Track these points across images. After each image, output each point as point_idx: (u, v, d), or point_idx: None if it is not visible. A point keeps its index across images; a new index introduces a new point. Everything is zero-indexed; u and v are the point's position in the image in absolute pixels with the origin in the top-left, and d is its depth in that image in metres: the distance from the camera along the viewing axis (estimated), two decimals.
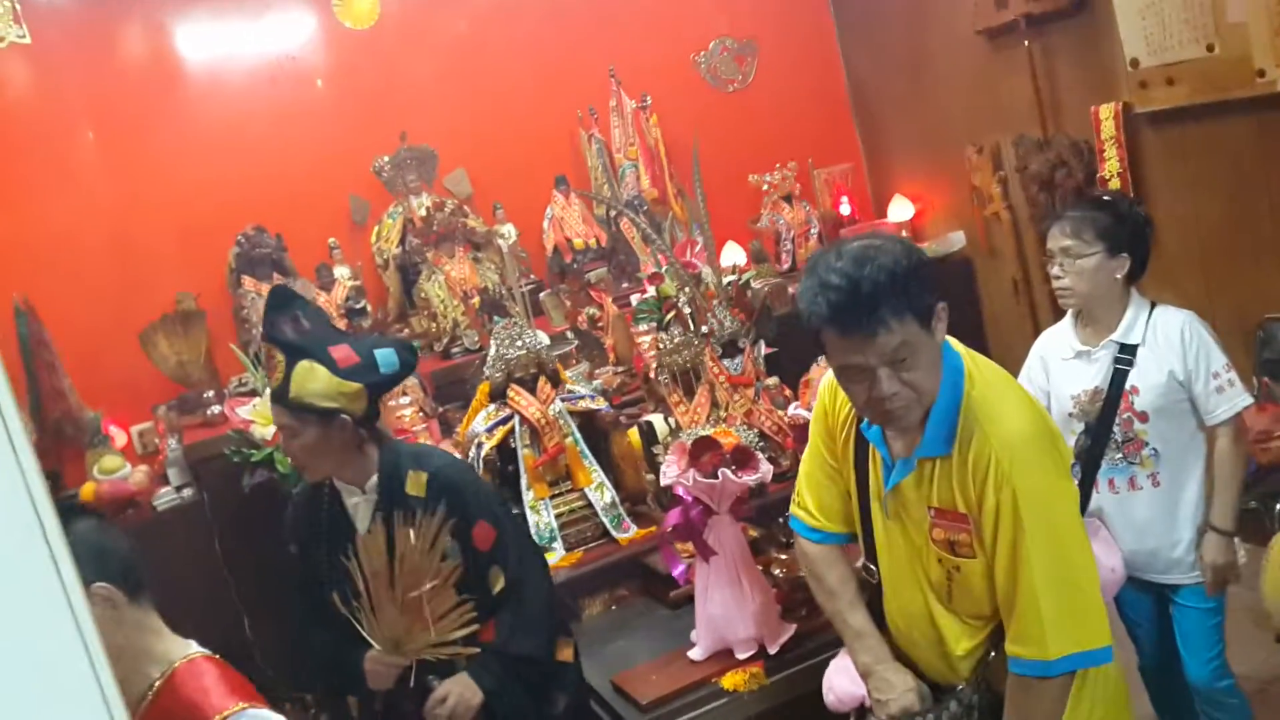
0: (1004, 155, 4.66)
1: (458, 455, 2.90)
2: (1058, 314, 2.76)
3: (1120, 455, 2.44)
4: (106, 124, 4.52)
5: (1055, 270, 2.50)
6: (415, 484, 2.33)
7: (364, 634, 2.21)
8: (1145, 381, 2.40)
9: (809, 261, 1.68)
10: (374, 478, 2.34)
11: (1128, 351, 2.43)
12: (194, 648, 1.64)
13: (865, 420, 1.75)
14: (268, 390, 2.42)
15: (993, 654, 1.75)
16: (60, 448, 4.31)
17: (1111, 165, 4.00)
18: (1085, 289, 2.44)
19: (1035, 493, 1.60)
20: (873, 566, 1.86)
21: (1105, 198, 2.75)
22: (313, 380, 2.21)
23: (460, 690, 2.27)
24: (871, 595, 1.88)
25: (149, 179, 4.54)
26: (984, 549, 1.66)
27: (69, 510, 1.57)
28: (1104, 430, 2.44)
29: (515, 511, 2.84)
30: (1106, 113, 3.98)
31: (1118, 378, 2.41)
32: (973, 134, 4.77)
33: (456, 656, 2.25)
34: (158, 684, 1.56)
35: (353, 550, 2.22)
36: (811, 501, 1.93)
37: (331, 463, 2.32)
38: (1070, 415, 2.49)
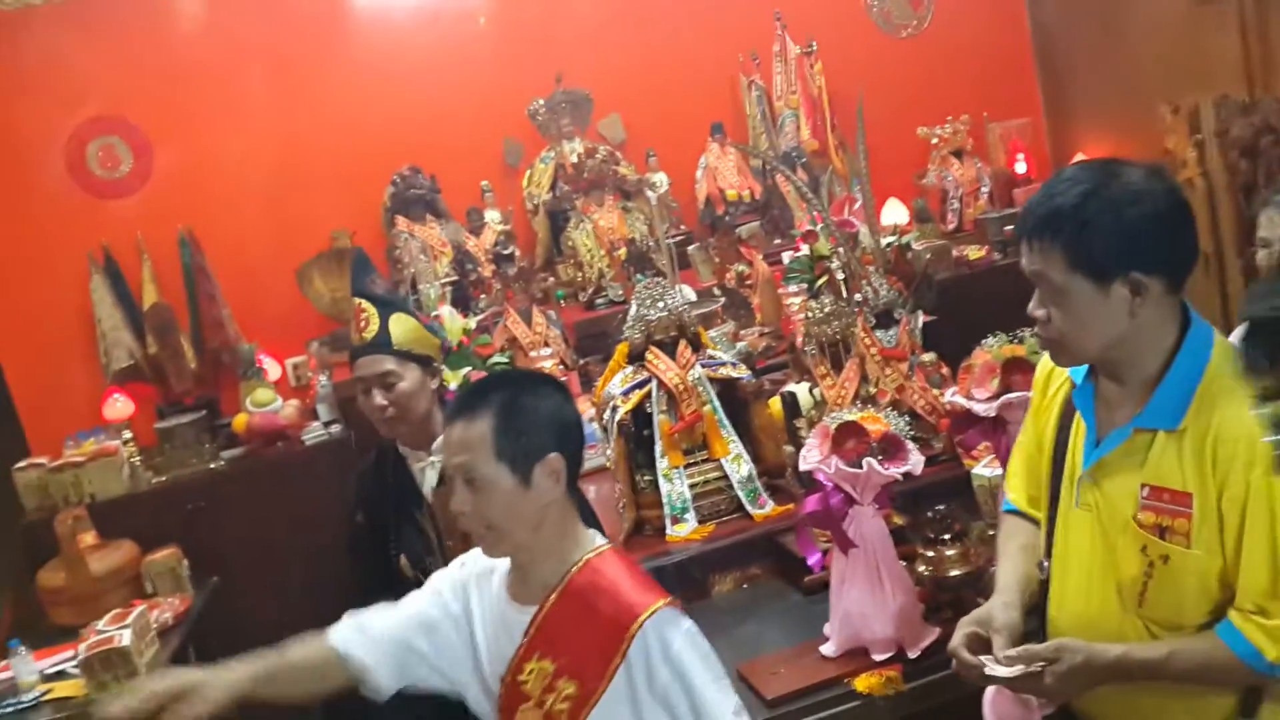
0: (1203, 117, 4.24)
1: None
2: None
3: None
4: (272, 60, 4.59)
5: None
6: None
7: None
8: None
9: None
10: (440, 439, 2.36)
11: None
12: (605, 540, 1.75)
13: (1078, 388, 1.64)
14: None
15: None
16: (218, 376, 4.46)
17: None
18: None
19: None
20: (1046, 563, 1.71)
21: None
22: (410, 329, 2.38)
23: None
24: (1038, 596, 1.73)
25: (311, 116, 4.61)
26: (1207, 542, 1.49)
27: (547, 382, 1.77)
28: None
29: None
30: None
31: None
32: (1169, 92, 4.37)
33: None
34: (576, 567, 1.67)
35: (424, 511, 2.23)
36: (1016, 475, 1.86)
37: (421, 412, 2.39)
38: None
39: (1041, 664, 1.53)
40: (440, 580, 1.82)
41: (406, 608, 1.80)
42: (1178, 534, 1.51)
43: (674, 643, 1.61)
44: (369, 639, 1.76)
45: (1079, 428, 1.66)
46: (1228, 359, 1.53)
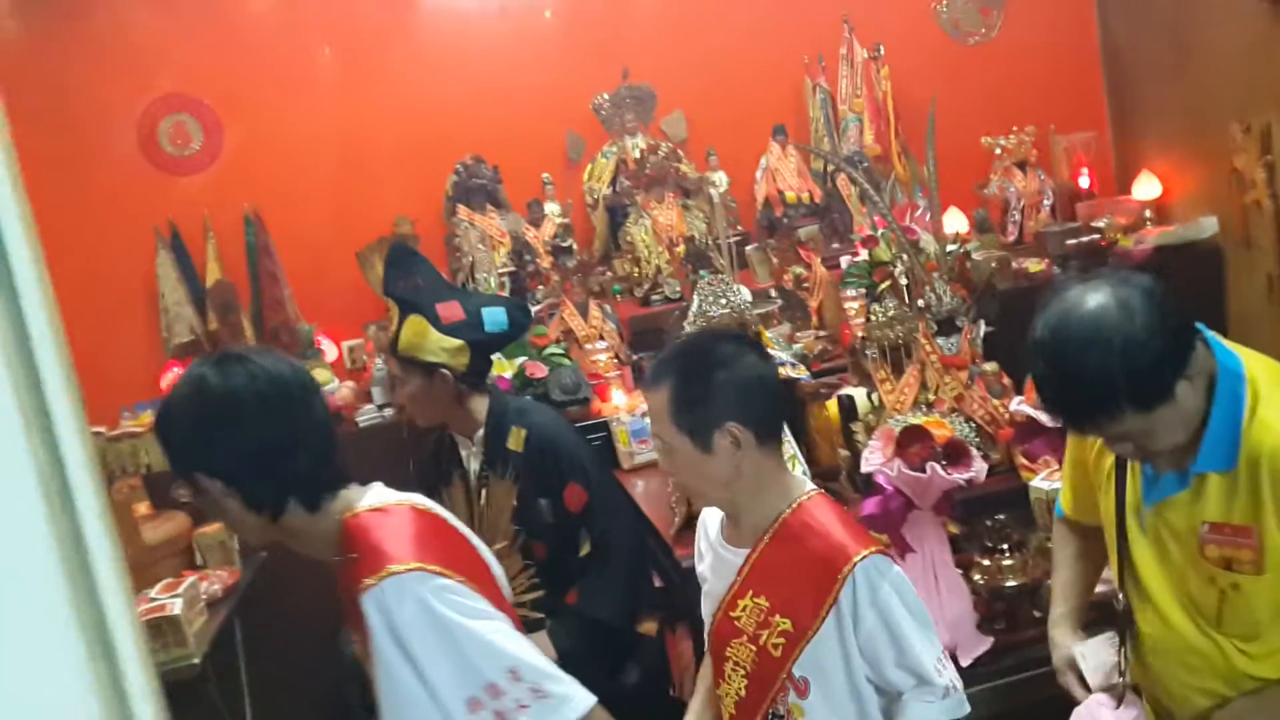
0: (1275, 137, 4.17)
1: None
2: None
3: None
4: (341, 43, 4.64)
5: None
6: (515, 439, 2.43)
7: None
8: None
9: (1049, 301, 1.53)
10: (481, 431, 2.39)
11: None
12: (813, 486, 1.79)
13: None
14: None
15: None
16: None
17: None
18: None
19: None
20: (1121, 595, 1.71)
21: None
22: (417, 335, 2.35)
23: None
24: (1121, 623, 1.74)
25: (377, 101, 4.64)
26: (1277, 565, 1.50)
27: (739, 346, 1.73)
28: None
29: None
30: None
31: None
32: (1241, 110, 4.29)
33: (526, 619, 2.27)
34: (785, 514, 1.71)
35: (467, 494, 2.28)
36: (1066, 483, 1.90)
37: (434, 414, 2.44)
38: None
39: None
40: (695, 541, 1.93)
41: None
42: (1244, 563, 1.52)
43: (881, 589, 1.63)
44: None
45: (1135, 463, 1.66)
46: (1273, 388, 1.52)
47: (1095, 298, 1.46)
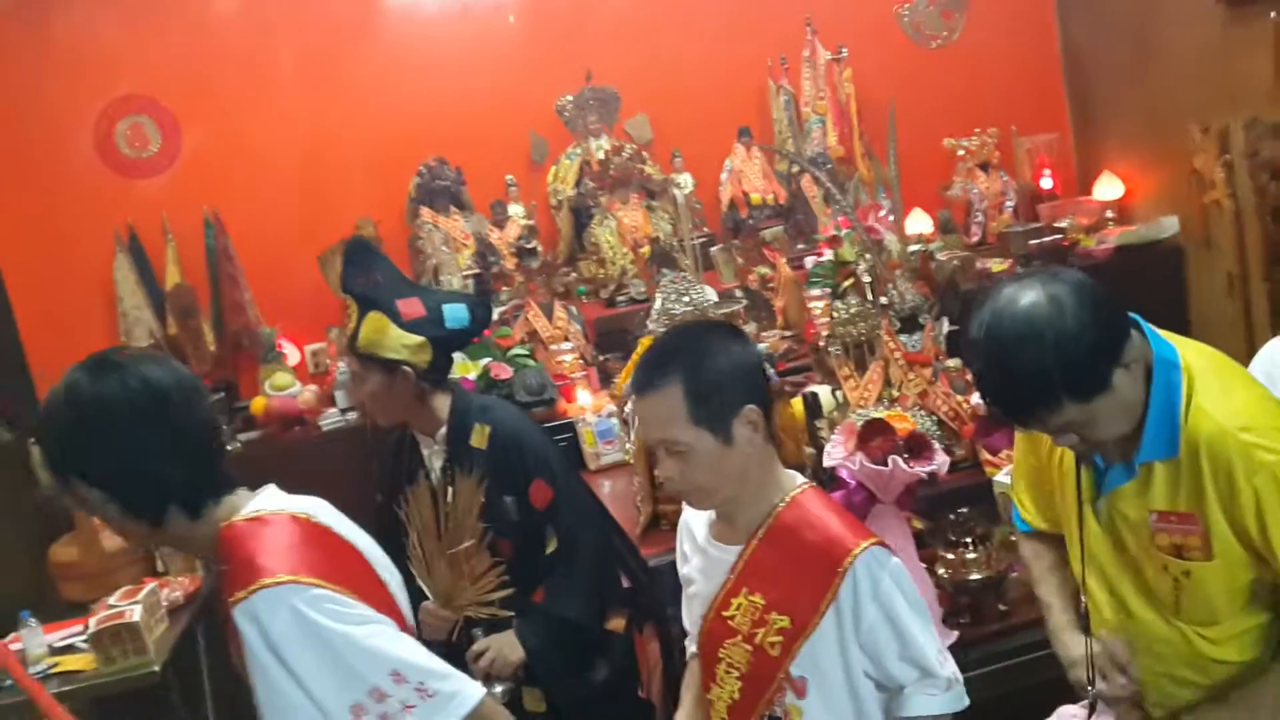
0: (1232, 138, 4.22)
1: (517, 411, 2.85)
2: (1277, 315, 2.47)
3: None
4: (303, 46, 4.61)
5: None
6: (479, 436, 2.39)
7: (420, 583, 2.25)
8: None
9: (984, 302, 1.55)
10: (444, 429, 2.39)
11: None
12: (804, 479, 1.75)
13: None
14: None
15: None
16: (237, 359, 4.47)
17: None
18: None
19: None
20: (1083, 598, 1.72)
21: None
22: (377, 331, 2.31)
23: (500, 646, 2.32)
24: (1085, 627, 1.75)
25: (339, 103, 4.61)
26: (1224, 552, 1.52)
27: (723, 332, 1.70)
28: None
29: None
30: None
31: None
32: (1199, 112, 4.34)
33: (495, 617, 2.28)
34: (779, 508, 1.68)
35: (409, 501, 2.27)
36: (1022, 491, 1.88)
37: (395, 412, 2.40)
38: None
39: None
40: (677, 543, 1.88)
41: (683, 586, 1.86)
42: (1193, 550, 1.54)
43: (883, 581, 1.60)
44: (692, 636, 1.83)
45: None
46: (1207, 375, 1.54)
47: (1027, 295, 1.48)
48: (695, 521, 1.81)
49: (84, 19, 4.39)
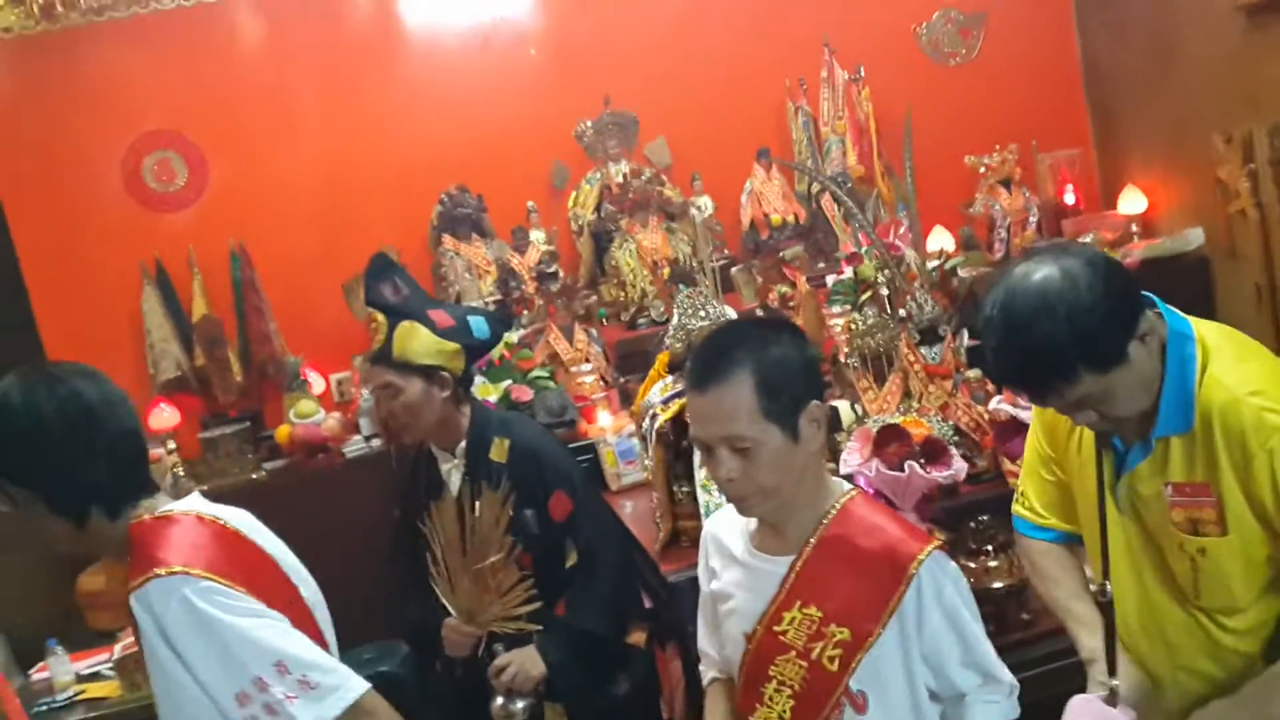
0: (1257, 146, 4.17)
1: (540, 427, 2.92)
2: None
3: None
4: (326, 80, 4.67)
5: None
6: (499, 450, 2.40)
7: (443, 600, 2.26)
8: None
9: (997, 281, 1.55)
10: (463, 443, 2.41)
11: None
12: (850, 485, 1.72)
13: None
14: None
15: None
16: (262, 390, 4.51)
17: None
18: None
19: None
20: (1108, 585, 1.68)
21: None
22: (415, 339, 2.33)
23: (522, 661, 2.30)
24: (1107, 617, 1.71)
25: (363, 134, 4.67)
26: (1238, 525, 1.51)
27: (783, 326, 1.70)
28: None
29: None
30: None
31: None
32: (1222, 121, 4.31)
33: (521, 631, 2.27)
34: (834, 511, 1.63)
35: (434, 515, 2.26)
36: (1033, 497, 1.83)
37: (431, 422, 2.38)
38: None
39: None
40: (700, 562, 1.82)
41: (702, 604, 1.81)
42: (1208, 524, 1.53)
43: (946, 587, 1.57)
44: (721, 659, 1.78)
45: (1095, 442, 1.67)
46: (1221, 347, 1.54)
47: (1040, 270, 1.48)
48: (728, 534, 1.73)
49: (112, 55, 4.48)
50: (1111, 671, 1.66)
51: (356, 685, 1.57)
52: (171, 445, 4.15)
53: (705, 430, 1.58)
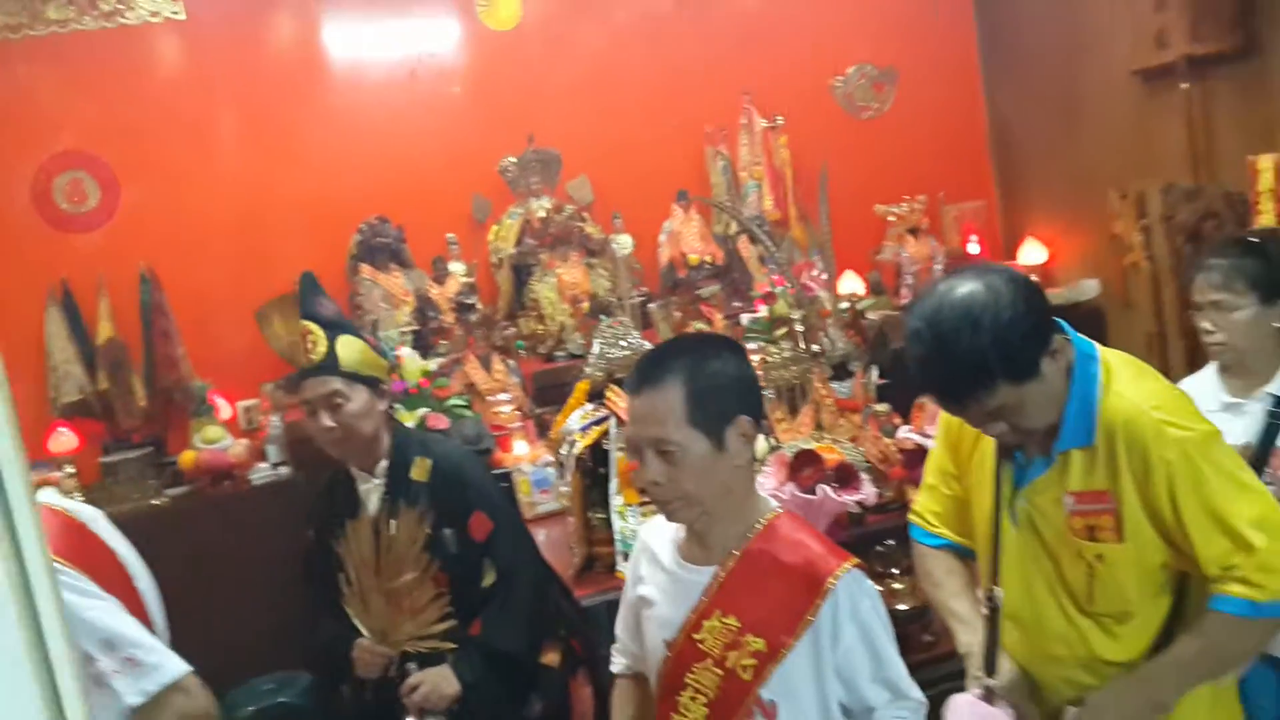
0: (1150, 203, 4.40)
1: (463, 447, 3.01)
2: (1194, 370, 2.59)
3: None
4: (246, 104, 4.63)
5: (1205, 324, 2.34)
6: (420, 469, 2.42)
7: (354, 621, 2.26)
8: None
9: (913, 301, 1.67)
10: (384, 462, 2.41)
11: None
12: (777, 504, 1.76)
13: None
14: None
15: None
16: (167, 415, 4.40)
17: (1266, 219, 3.73)
18: (1241, 344, 2.30)
19: (1204, 443, 1.57)
20: (996, 589, 1.75)
21: (1254, 240, 2.54)
22: (357, 351, 2.39)
23: (435, 680, 2.30)
24: (989, 625, 1.79)
25: (281, 161, 4.63)
26: (1135, 534, 1.59)
27: (725, 344, 1.74)
28: None
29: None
30: (1266, 164, 3.71)
31: (1269, 432, 2.22)
32: (1118, 179, 4.54)
33: (436, 650, 2.28)
34: (759, 525, 1.68)
35: (349, 535, 2.27)
36: (930, 507, 1.92)
37: (369, 435, 2.40)
38: None
39: None
40: (629, 566, 1.85)
41: (625, 605, 1.84)
42: (1105, 530, 1.61)
43: (863, 603, 1.61)
44: (636, 654, 1.82)
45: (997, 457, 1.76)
46: (1122, 368, 1.65)
47: (964, 285, 1.57)
48: (658, 542, 1.77)
49: (25, 74, 4.38)
50: (990, 671, 1.73)
51: (177, 666, 1.69)
52: (70, 470, 4.03)
53: (636, 431, 1.63)
